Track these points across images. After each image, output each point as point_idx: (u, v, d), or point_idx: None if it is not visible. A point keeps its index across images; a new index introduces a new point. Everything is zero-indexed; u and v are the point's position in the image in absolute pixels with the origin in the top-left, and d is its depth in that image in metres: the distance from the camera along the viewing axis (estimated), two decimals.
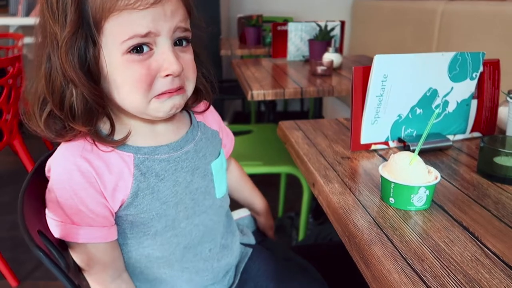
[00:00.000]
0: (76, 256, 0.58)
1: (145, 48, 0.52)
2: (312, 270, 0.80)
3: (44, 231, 0.53)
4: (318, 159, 0.75)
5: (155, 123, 0.60)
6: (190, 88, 0.59)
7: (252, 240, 0.84)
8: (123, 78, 0.52)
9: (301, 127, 0.94)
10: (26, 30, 3.00)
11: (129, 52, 0.51)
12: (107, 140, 0.55)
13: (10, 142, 1.71)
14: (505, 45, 1.54)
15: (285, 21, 1.91)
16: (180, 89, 0.56)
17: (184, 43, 0.56)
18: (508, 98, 0.75)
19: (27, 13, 2.86)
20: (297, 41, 1.82)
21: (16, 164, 2.20)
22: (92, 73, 0.52)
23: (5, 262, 1.48)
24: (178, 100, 0.57)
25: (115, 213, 0.58)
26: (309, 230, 1.60)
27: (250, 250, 0.79)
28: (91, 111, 0.53)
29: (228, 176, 0.80)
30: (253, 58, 2.06)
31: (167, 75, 0.53)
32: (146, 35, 0.51)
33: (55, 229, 0.55)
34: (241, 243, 0.79)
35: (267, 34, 2.43)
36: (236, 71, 1.67)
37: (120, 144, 0.56)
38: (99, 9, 0.49)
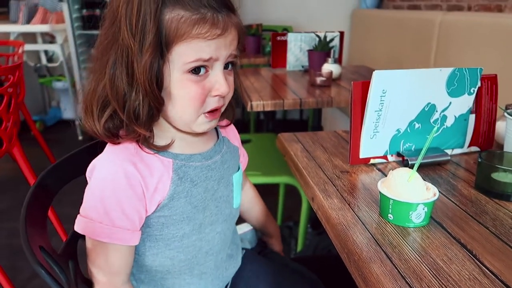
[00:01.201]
0: (95, 255, 0.60)
1: (202, 70, 0.58)
2: (308, 273, 0.82)
3: (46, 247, 0.53)
4: (317, 173, 0.76)
5: (188, 134, 0.65)
6: (224, 106, 0.64)
7: (246, 244, 0.87)
8: (180, 93, 0.58)
9: (300, 139, 0.94)
10: (26, 37, 3.02)
11: (189, 72, 0.57)
12: (153, 145, 0.60)
13: (9, 150, 1.71)
14: (502, 56, 1.56)
15: (285, 31, 1.92)
16: (220, 109, 0.62)
17: (230, 66, 0.62)
18: (506, 114, 0.76)
19: (28, 21, 2.88)
20: (296, 51, 1.83)
21: (15, 171, 2.20)
22: (157, 85, 0.56)
23: (2, 270, 1.48)
24: (216, 121, 0.64)
25: (148, 215, 0.61)
26: (307, 240, 1.60)
27: (243, 252, 0.82)
28: (152, 117, 0.58)
29: (242, 195, 0.85)
30: (253, 68, 2.07)
31: (216, 95, 0.59)
32: (208, 60, 0.57)
33: (82, 226, 0.58)
34: None
35: (267, 43, 2.44)
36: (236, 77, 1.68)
37: (164, 150, 0.61)
38: (173, 33, 0.54)
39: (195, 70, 0.57)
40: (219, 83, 0.58)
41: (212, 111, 0.61)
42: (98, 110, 0.58)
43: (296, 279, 0.81)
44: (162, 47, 0.55)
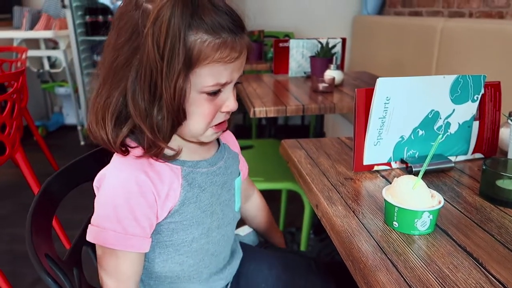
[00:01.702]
0: (105, 262, 0.61)
1: (217, 91, 0.60)
2: (304, 253, 0.85)
3: (51, 254, 0.53)
4: (321, 180, 0.76)
5: (194, 143, 0.67)
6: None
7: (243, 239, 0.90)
8: (195, 110, 0.60)
9: (304, 146, 0.94)
10: (30, 43, 3.03)
11: (205, 92, 0.59)
12: (158, 154, 0.61)
13: (12, 156, 1.71)
14: (503, 62, 1.56)
15: (286, 37, 1.93)
16: (226, 121, 0.66)
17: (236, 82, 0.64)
18: (510, 121, 0.76)
19: (31, 27, 2.89)
20: (298, 58, 1.84)
21: (17, 176, 2.20)
22: (182, 103, 0.58)
23: (4, 276, 1.47)
24: (221, 132, 0.67)
25: (159, 222, 0.62)
26: (310, 246, 1.59)
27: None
28: (172, 131, 0.60)
29: (249, 203, 0.88)
30: (255, 74, 2.08)
31: (226, 111, 0.63)
32: (224, 84, 0.60)
33: (94, 235, 0.59)
34: None
35: (269, 49, 2.45)
36: (238, 86, 1.68)
37: (173, 159, 0.63)
38: (196, 56, 0.55)
39: (211, 91, 0.59)
40: (230, 101, 0.62)
41: (219, 124, 0.64)
42: (112, 124, 0.59)
43: (295, 258, 0.85)
44: (190, 68, 0.56)
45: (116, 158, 0.62)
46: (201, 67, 0.56)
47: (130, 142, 0.61)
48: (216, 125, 0.63)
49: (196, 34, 0.54)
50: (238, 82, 0.64)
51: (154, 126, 0.58)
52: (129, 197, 0.58)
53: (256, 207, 0.91)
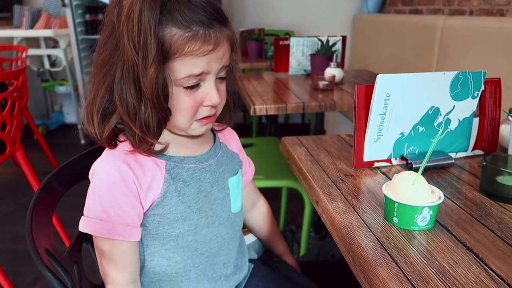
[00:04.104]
0: (101, 254, 0.62)
1: (194, 83, 0.60)
2: (313, 286, 0.80)
3: (51, 249, 0.53)
4: (322, 176, 0.76)
5: (185, 137, 0.67)
6: (219, 112, 0.67)
7: (253, 255, 0.85)
8: (174, 104, 0.60)
9: (304, 143, 0.94)
10: (30, 42, 3.03)
11: (181, 86, 0.59)
12: (147, 150, 0.62)
13: (12, 154, 1.71)
14: (504, 59, 1.56)
15: (287, 35, 1.93)
16: (214, 114, 0.65)
17: (223, 74, 0.64)
18: (510, 117, 0.76)
19: (31, 26, 2.89)
20: (299, 56, 1.84)
21: (17, 175, 2.20)
22: (164, 97, 0.59)
23: (5, 274, 1.48)
24: (210, 125, 0.66)
25: (145, 213, 0.63)
26: (310, 244, 1.60)
27: (251, 266, 0.80)
28: (161, 127, 0.61)
29: (255, 211, 0.87)
30: (255, 72, 2.08)
31: (208, 105, 0.62)
32: (199, 74, 0.59)
33: (84, 224, 0.61)
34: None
35: (269, 48, 2.45)
36: (239, 84, 1.69)
37: (158, 155, 0.64)
38: (166, 49, 0.56)
39: (188, 85, 0.59)
40: (211, 94, 0.61)
41: (205, 117, 0.63)
42: (98, 119, 0.60)
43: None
44: (164, 61, 0.56)
45: (105, 151, 0.64)
46: (173, 60, 0.56)
47: (121, 136, 0.63)
48: (202, 119, 0.63)
49: (166, 28, 0.55)
50: (224, 77, 0.63)
51: (142, 123, 0.59)
52: (112, 187, 0.60)
53: (261, 215, 0.88)
